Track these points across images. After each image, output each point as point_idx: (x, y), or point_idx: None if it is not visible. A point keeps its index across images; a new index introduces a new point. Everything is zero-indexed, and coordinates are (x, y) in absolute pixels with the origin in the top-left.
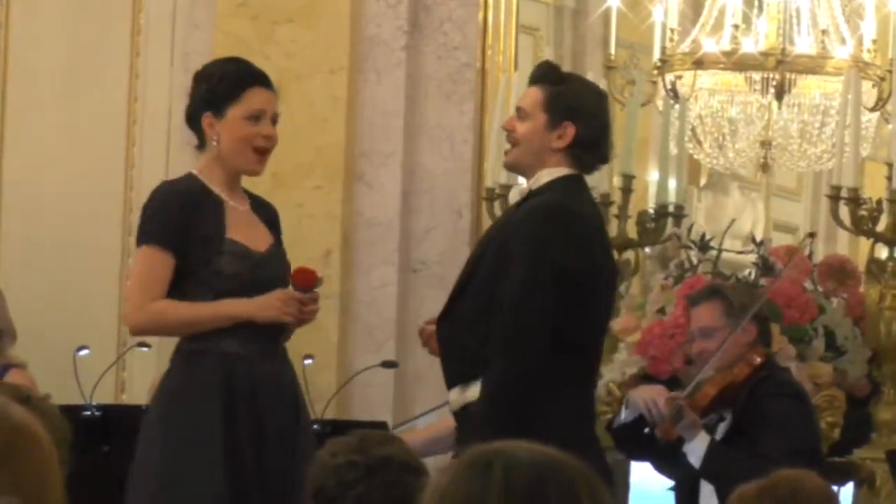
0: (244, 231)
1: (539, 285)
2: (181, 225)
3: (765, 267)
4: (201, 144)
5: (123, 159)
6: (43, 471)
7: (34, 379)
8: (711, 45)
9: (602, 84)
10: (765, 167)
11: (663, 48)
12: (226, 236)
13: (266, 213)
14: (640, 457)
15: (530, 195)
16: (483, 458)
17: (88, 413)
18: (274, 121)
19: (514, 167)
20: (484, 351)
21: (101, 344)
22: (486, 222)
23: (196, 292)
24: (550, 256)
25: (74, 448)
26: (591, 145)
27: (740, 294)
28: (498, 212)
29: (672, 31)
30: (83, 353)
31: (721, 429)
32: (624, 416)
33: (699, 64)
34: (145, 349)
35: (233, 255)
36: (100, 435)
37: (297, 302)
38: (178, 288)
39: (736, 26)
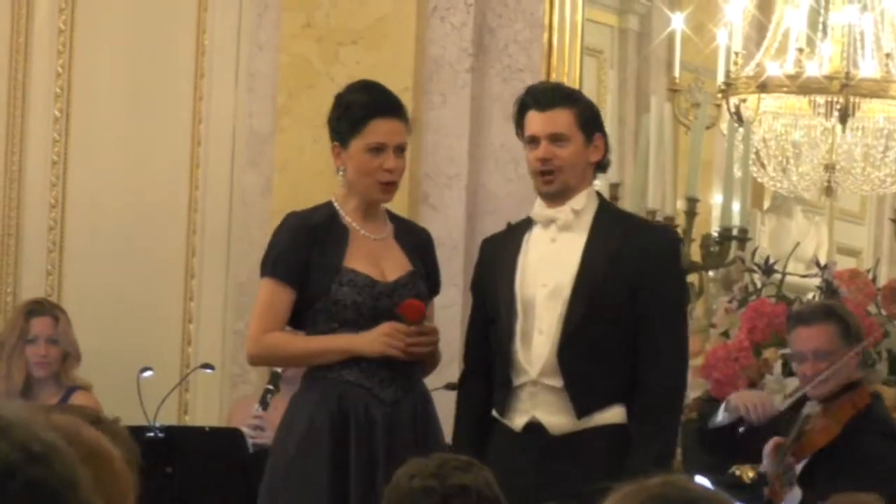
0: (369, 260)
1: (687, 328)
2: (301, 258)
3: (829, 291)
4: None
5: (188, 181)
6: (116, 493)
7: (99, 401)
8: (775, 69)
9: (666, 107)
10: (828, 191)
11: (727, 71)
12: (344, 265)
13: (413, 239)
14: (726, 460)
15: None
16: (683, 492)
17: (152, 434)
18: (401, 150)
19: (559, 193)
20: (619, 380)
21: (165, 365)
22: None
23: (319, 321)
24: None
25: (139, 469)
26: (608, 150)
27: (854, 316)
28: None
29: (736, 54)
30: (147, 374)
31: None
32: (721, 417)
33: (763, 87)
34: (209, 371)
35: (352, 285)
36: (163, 456)
37: (404, 335)
38: (304, 317)
39: (800, 50)
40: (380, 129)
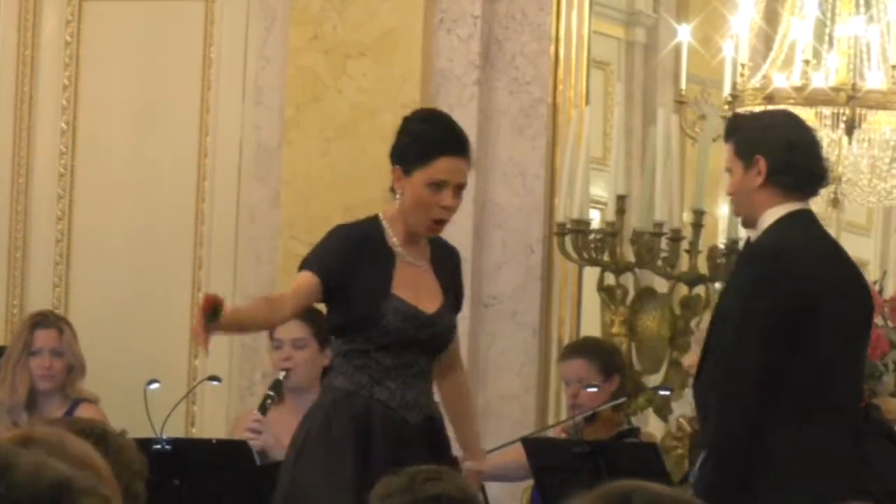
0: (412, 289)
1: (748, 342)
2: (344, 266)
3: None
4: (393, 189)
5: (194, 193)
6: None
7: (105, 413)
8: (782, 81)
9: (672, 119)
10: (835, 202)
11: (734, 83)
12: (392, 291)
13: (446, 262)
14: None
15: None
16: (621, 491)
17: (159, 447)
18: (459, 189)
19: (744, 224)
20: None
21: (172, 378)
22: (558, 257)
23: (357, 340)
24: (757, 306)
25: (147, 482)
26: (787, 167)
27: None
28: (569, 248)
29: (743, 66)
30: (153, 386)
31: None
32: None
33: (770, 99)
34: (215, 383)
35: (397, 313)
36: (171, 469)
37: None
38: (344, 334)
39: (806, 61)
40: (446, 167)
